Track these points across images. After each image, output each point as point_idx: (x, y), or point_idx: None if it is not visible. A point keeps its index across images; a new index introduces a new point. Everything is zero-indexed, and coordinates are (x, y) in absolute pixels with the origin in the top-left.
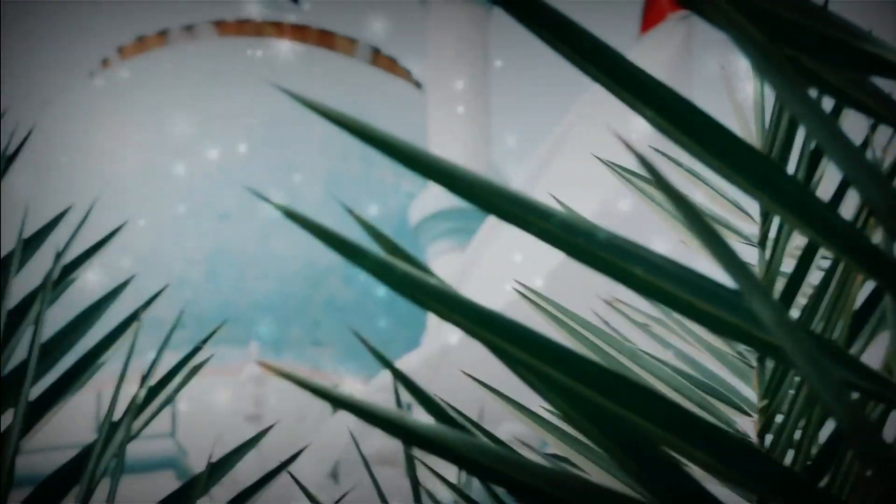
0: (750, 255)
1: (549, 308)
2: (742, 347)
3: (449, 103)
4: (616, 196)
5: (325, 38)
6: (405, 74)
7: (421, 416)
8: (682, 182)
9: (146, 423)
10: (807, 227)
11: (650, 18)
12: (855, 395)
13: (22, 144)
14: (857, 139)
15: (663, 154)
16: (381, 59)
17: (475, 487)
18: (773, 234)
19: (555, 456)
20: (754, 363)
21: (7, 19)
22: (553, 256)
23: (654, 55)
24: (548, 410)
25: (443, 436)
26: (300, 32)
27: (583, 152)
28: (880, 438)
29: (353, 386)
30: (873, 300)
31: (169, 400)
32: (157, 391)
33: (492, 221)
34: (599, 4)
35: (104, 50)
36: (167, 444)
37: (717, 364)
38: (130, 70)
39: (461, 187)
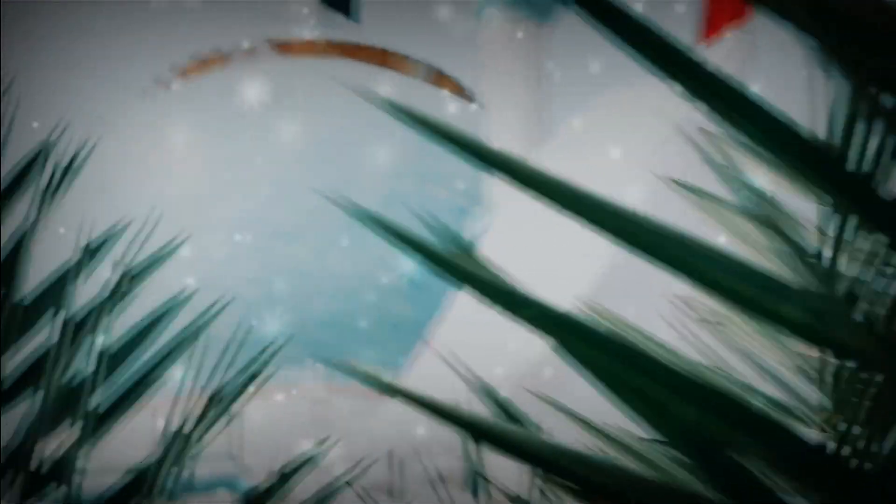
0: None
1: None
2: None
3: (504, 118)
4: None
5: (383, 57)
6: (459, 90)
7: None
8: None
9: (207, 433)
10: (873, 225)
11: (706, 33)
12: None
13: (74, 159)
14: None
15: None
16: (442, 79)
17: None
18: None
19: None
20: (823, 368)
21: (65, 39)
22: (602, 254)
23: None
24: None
25: (527, 441)
26: (357, 51)
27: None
28: None
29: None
30: None
31: (232, 413)
32: (221, 404)
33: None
34: (658, 11)
35: (162, 69)
36: (229, 465)
37: (785, 368)
38: (189, 89)
39: (546, 190)
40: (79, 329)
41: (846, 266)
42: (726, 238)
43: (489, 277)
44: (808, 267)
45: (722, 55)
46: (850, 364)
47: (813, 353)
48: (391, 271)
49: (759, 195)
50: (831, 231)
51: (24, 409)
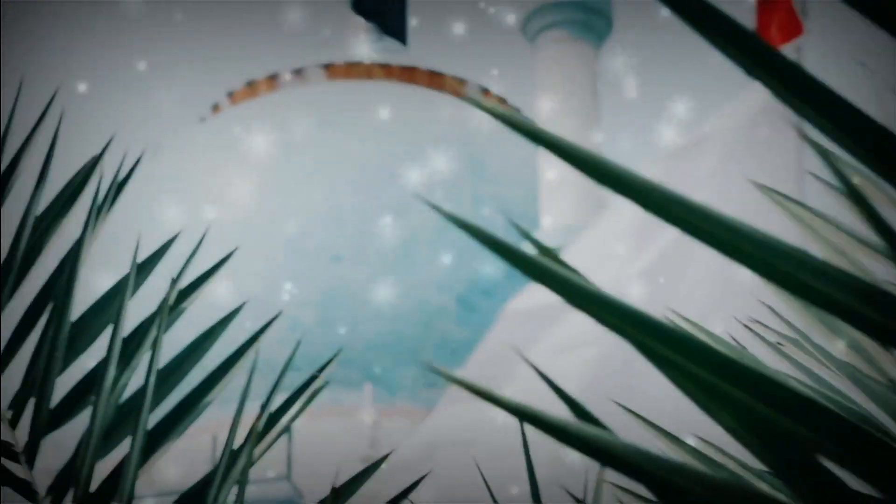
0: None
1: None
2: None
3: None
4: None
5: (433, 79)
6: (515, 113)
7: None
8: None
9: (264, 451)
10: None
11: None
12: None
13: (129, 175)
14: None
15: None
16: (490, 99)
17: None
18: None
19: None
20: None
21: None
22: (654, 248)
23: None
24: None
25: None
26: (409, 74)
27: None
28: None
29: None
30: None
31: (286, 429)
32: (275, 421)
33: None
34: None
35: (215, 95)
36: (283, 487)
37: (857, 392)
38: (240, 114)
39: (635, 193)
40: (130, 346)
41: None
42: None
43: (579, 283)
44: None
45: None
46: None
47: None
48: (442, 294)
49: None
50: None
51: (77, 428)
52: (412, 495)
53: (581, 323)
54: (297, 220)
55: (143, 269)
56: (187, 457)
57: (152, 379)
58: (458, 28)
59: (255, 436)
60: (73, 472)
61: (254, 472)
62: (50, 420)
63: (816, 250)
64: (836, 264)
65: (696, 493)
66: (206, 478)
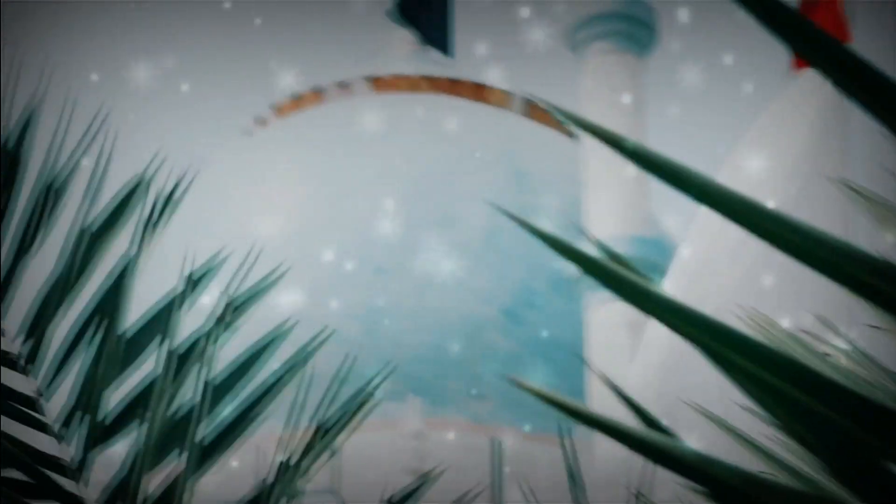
0: None
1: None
2: None
3: (599, 149)
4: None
5: (479, 92)
6: (555, 122)
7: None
8: None
9: (311, 466)
10: None
11: (800, 62)
12: None
13: (174, 191)
14: None
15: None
16: (534, 111)
17: None
18: None
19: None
20: None
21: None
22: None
23: (810, 95)
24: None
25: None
26: (454, 86)
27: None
28: None
29: (514, 437)
30: None
31: (336, 446)
32: (326, 435)
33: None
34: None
35: (260, 108)
36: (329, 500)
37: None
38: (286, 126)
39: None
40: (183, 360)
41: None
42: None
43: (650, 289)
44: None
45: (816, 83)
46: None
47: None
48: (487, 305)
49: None
50: None
51: (129, 442)
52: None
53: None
54: (341, 233)
55: (195, 283)
56: (229, 470)
57: (203, 392)
58: (502, 40)
59: (307, 449)
60: (123, 487)
61: (303, 483)
62: (100, 435)
63: (890, 238)
64: None
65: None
66: (257, 491)
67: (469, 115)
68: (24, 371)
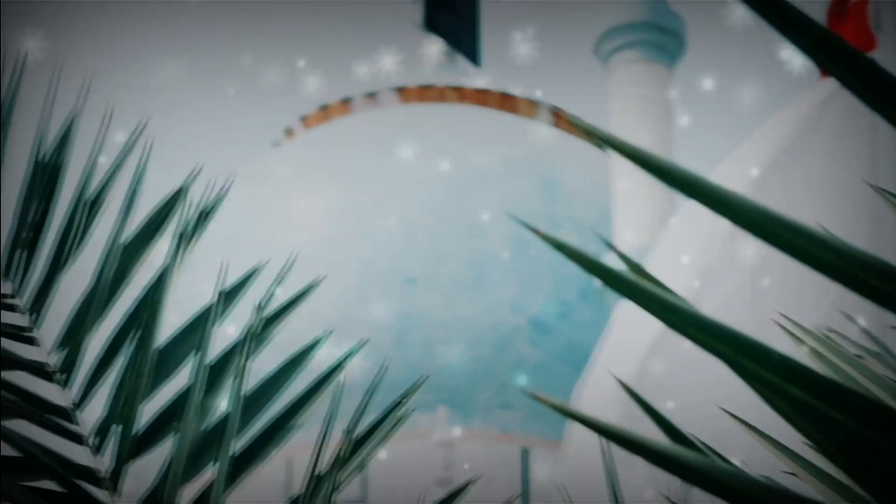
0: None
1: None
2: None
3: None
4: None
5: (506, 102)
6: (587, 135)
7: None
8: None
9: (350, 476)
10: None
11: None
12: None
13: (214, 204)
14: None
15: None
16: (562, 121)
17: None
18: None
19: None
20: None
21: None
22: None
23: (838, 99)
24: (805, 444)
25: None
26: (481, 96)
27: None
28: None
29: (543, 448)
30: None
31: (369, 457)
32: (360, 445)
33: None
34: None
35: (289, 119)
36: None
37: None
38: (314, 138)
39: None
40: (216, 372)
41: None
42: None
43: (675, 301)
44: None
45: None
46: None
47: None
48: (516, 315)
49: None
50: None
51: (160, 453)
52: None
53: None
54: (370, 244)
55: (228, 296)
56: (259, 481)
57: (237, 405)
58: (529, 49)
59: (341, 461)
60: (157, 499)
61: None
62: (134, 446)
63: None
64: None
65: None
66: (290, 502)
67: (498, 125)
68: (59, 382)
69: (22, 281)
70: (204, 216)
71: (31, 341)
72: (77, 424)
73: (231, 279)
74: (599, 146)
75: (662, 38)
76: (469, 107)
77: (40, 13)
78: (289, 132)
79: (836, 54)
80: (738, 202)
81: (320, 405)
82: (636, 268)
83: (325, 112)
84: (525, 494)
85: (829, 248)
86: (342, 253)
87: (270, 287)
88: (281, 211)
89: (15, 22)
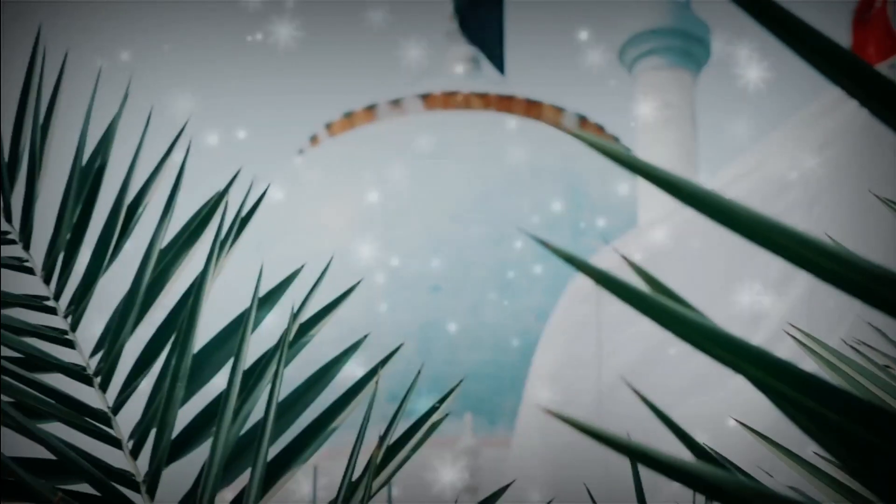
0: None
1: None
2: None
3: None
4: None
5: (531, 108)
6: (612, 141)
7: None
8: None
9: (384, 484)
10: None
11: None
12: None
13: (252, 211)
14: None
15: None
16: (587, 127)
17: None
18: None
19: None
20: None
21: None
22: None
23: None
24: (819, 455)
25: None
26: (506, 103)
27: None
28: None
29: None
30: None
31: (407, 458)
32: (394, 452)
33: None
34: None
35: (312, 126)
36: None
37: None
38: (336, 145)
39: (728, 217)
40: (251, 378)
41: None
42: None
43: (691, 317)
44: None
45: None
46: None
47: None
48: (541, 322)
49: None
50: None
51: (198, 458)
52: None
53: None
54: (395, 251)
55: (264, 302)
56: (286, 487)
57: (272, 411)
58: (554, 55)
59: (374, 468)
60: (193, 503)
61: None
62: (171, 450)
63: None
64: None
65: None
66: None
67: (524, 133)
68: (97, 386)
69: (59, 283)
70: (243, 222)
71: (69, 344)
72: (113, 428)
73: (252, 285)
74: (619, 164)
75: (687, 44)
76: (494, 113)
77: (79, 13)
78: (313, 139)
79: (845, 69)
80: (759, 221)
81: (352, 412)
82: (655, 283)
83: (349, 119)
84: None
85: (852, 266)
86: (369, 260)
87: (307, 294)
88: (307, 217)
89: (55, 21)
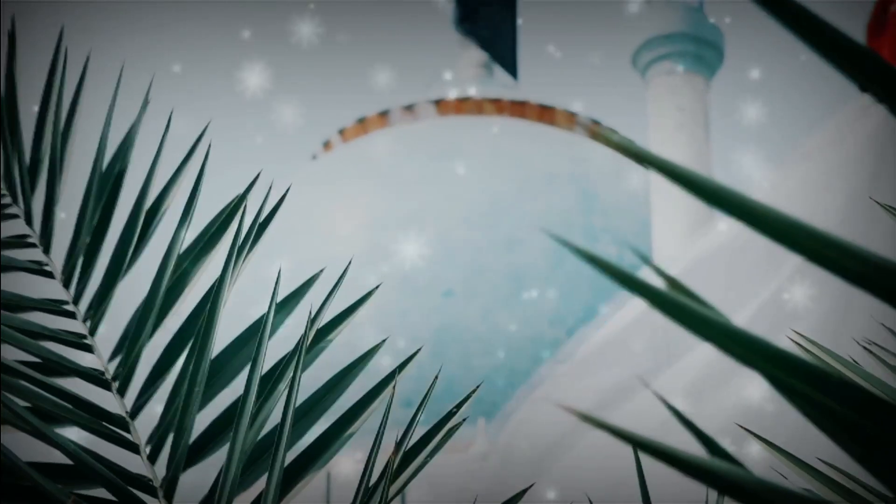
0: None
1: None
2: None
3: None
4: None
5: (544, 113)
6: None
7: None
8: None
9: (402, 489)
10: None
11: None
12: None
13: (271, 216)
14: None
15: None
16: (595, 130)
17: None
18: None
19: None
20: None
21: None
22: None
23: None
24: (824, 462)
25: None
26: (519, 108)
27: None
28: None
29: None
30: None
31: (424, 463)
32: (411, 457)
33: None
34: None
35: (327, 132)
36: None
37: None
38: (351, 150)
39: (754, 217)
40: (268, 383)
41: None
42: None
43: (713, 316)
44: None
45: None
46: None
47: None
48: (555, 328)
49: None
50: None
51: (215, 463)
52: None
53: None
54: (408, 256)
55: (282, 307)
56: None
57: (290, 416)
58: (567, 61)
59: (391, 473)
60: None
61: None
62: (189, 455)
63: None
64: None
65: None
66: None
67: (537, 137)
68: (115, 391)
69: (78, 287)
70: (261, 228)
71: (87, 348)
72: (131, 433)
73: (265, 290)
74: (638, 162)
75: (700, 49)
76: (507, 118)
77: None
78: (326, 144)
79: (877, 74)
80: (777, 218)
81: (371, 416)
82: (672, 282)
83: (362, 124)
84: None
85: (871, 264)
86: (381, 265)
87: (324, 299)
88: (320, 223)
89: (77, 26)
